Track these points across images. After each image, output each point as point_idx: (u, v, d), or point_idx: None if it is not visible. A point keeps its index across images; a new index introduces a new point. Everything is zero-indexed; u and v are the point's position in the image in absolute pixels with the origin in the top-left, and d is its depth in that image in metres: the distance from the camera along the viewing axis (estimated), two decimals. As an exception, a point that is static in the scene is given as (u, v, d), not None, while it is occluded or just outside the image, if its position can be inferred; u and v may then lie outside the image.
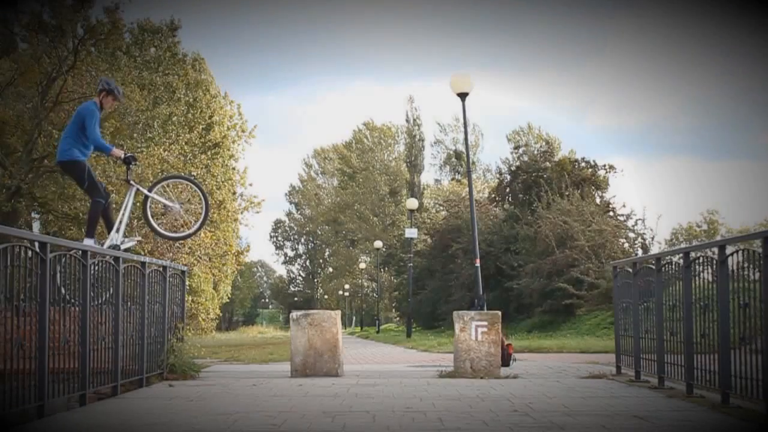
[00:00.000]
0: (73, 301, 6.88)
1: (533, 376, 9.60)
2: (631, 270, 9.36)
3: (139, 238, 9.29)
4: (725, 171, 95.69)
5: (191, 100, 33.51)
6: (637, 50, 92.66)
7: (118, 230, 8.93)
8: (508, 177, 38.22)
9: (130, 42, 30.82)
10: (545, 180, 33.93)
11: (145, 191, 9.18)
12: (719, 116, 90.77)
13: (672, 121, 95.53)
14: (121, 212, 9.11)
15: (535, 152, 38.37)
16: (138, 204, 10.21)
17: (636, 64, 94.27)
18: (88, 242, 8.69)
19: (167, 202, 9.14)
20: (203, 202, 9.25)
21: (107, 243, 8.79)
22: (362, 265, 70.88)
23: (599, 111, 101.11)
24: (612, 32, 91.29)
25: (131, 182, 9.16)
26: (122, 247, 8.88)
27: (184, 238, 9.67)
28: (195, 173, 30.49)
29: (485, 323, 9.48)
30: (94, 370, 7.21)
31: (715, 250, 6.88)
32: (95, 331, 7.29)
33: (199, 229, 9.36)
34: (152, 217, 9.29)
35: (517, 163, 38.48)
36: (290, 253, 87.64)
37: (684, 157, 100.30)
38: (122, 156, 9.05)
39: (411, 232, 35.49)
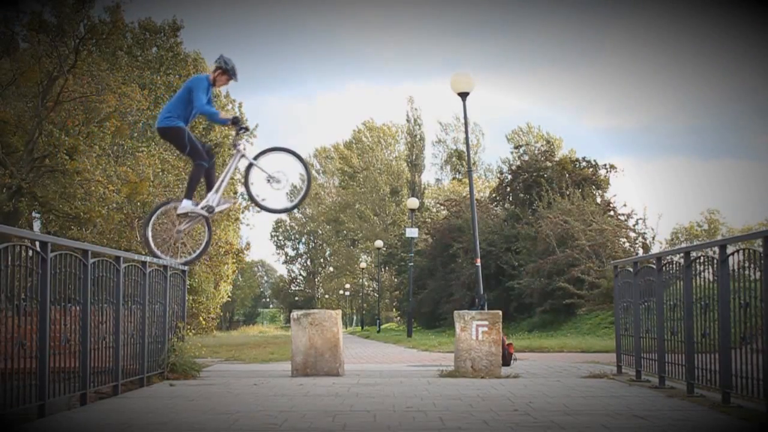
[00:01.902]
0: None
1: (534, 375, 9.60)
2: (631, 269, 9.36)
3: (234, 200, 9.23)
4: (726, 170, 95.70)
5: (192, 100, 33.50)
6: (637, 50, 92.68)
7: (216, 191, 8.97)
8: (509, 176, 38.20)
9: (131, 42, 30.84)
10: (546, 179, 33.94)
11: (250, 159, 9.12)
12: (720, 116, 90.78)
13: (672, 121, 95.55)
14: (223, 174, 9.11)
15: (536, 152, 38.37)
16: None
17: (636, 64, 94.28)
18: (186, 203, 8.79)
19: (270, 174, 9.07)
20: (306, 176, 9.16)
21: (203, 203, 8.86)
22: (363, 265, 70.87)
23: (599, 110, 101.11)
24: (611, 32, 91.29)
25: (238, 148, 9.13)
26: (217, 209, 8.93)
27: (283, 211, 9.60)
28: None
29: (486, 323, 9.48)
30: (95, 369, 7.22)
31: (716, 249, 6.88)
32: (96, 330, 7.29)
33: (299, 203, 9.32)
34: (252, 186, 9.18)
35: (518, 163, 38.48)
36: (291, 253, 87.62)
37: (684, 157, 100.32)
38: (230, 119, 8.99)
39: (412, 232, 35.47)
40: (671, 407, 6.47)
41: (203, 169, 8.82)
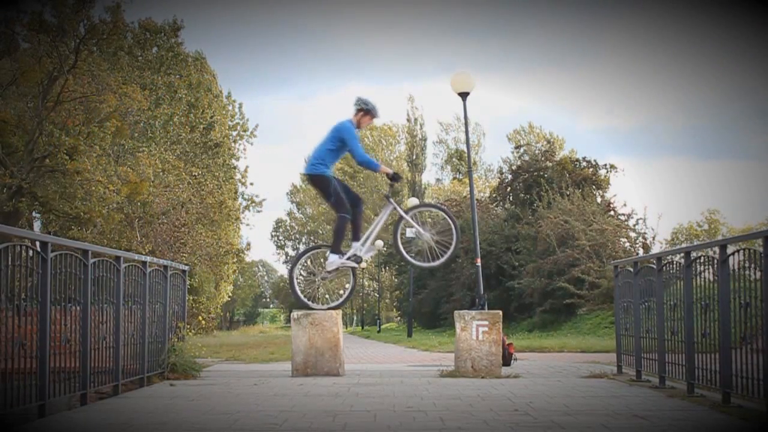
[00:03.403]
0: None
1: (534, 375, 9.59)
2: (632, 269, 9.36)
3: (381, 246, 9.31)
4: (726, 170, 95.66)
5: (193, 100, 33.54)
6: (636, 50, 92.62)
7: (364, 242, 8.98)
8: (509, 176, 38.21)
9: (132, 42, 30.84)
10: (546, 179, 33.95)
11: (402, 212, 9.12)
12: (720, 116, 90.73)
13: (672, 121, 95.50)
14: (373, 225, 9.22)
15: (536, 152, 38.39)
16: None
17: (636, 64, 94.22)
18: (334, 258, 8.83)
19: (420, 228, 9.11)
20: (454, 234, 9.17)
21: (350, 252, 8.89)
22: (363, 265, 70.83)
23: (599, 110, 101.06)
24: (611, 32, 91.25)
25: (391, 200, 9.19)
26: (365, 257, 9.03)
27: (430, 267, 9.71)
28: (196, 173, 30.57)
29: (486, 323, 9.48)
30: (95, 369, 7.22)
31: (716, 249, 6.88)
32: (96, 330, 7.29)
33: (446, 260, 9.36)
34: (401, 239, 9.21)
35: (518, 163, 38.48)
36: (291, 253, 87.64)
37: (684, 157, 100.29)
38: (390, 173, 9.06)
39: (412, 232, 35.45)
40: (671, 407, 6.47)
41: (347, 221, 8.87)
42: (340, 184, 9.01)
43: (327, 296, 9.45)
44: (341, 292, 9.50)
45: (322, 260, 9.31)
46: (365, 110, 8.91)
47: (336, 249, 8.95)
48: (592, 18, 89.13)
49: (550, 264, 28.48)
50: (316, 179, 8.89)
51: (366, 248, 9.06)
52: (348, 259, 8.96)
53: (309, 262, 9.34)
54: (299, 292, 9.29)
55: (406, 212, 9.17)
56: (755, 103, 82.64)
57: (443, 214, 9.36)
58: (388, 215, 9.33)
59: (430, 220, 9.27)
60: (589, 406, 6.52)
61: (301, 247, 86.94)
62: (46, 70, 22.77)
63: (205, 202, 29.45)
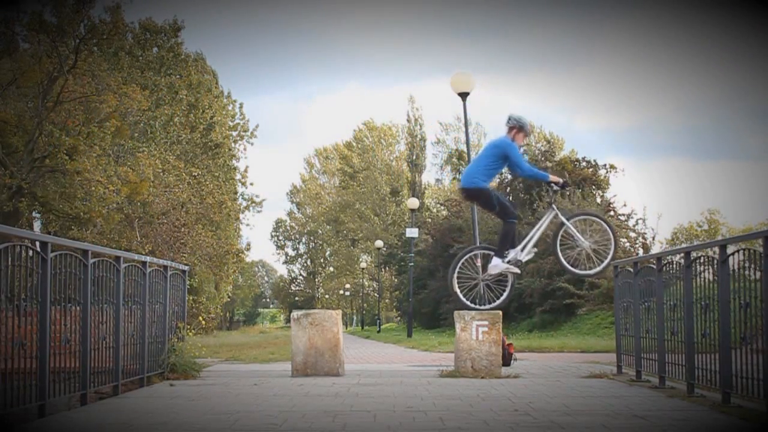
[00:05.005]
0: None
1: (534, 375, 9.59)
2: (632, 269, 9.36)
3: (536, 249, 9.34)
4: (726, 170, 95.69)
5: (193, 100, 33.54)
6: (636, 50, 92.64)
7: (524, 247, 9.08)
8: (509, 176, 38.19)
9: (132, 42, 30.86)
10: (546, 179, 33.92)
11: (563, 219, 9.20)
12: (720, 116, 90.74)
13: (672, 121, 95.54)
14: (534, 230, 9.26)
15: (536, 152, 38.38)
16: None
17: (635, 64, 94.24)
18: (497, 263, 8.93)
19: (579, 236, 9.15)
20: (612, 243, 9.21)
21: (511, 256, 9.00)
22: (363, 265, 70.85)
23: (599, 110, 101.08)
24: (611, 32, 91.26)
25: (554, 206, 9.32)
26: (523, 260, 9.11)
27: (589, 276, 9.73)
28: (196, 173, 30.56)
29: (486, 323, 9.47)
30: (95, 369, 7.22)
31: (716, 249, 6.88)
32: (96, 330, 7.29)
33: (603, 269, 9.39)
34: (560, 246, 9.22)
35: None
36: (291, 253, 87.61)
37: (684, 157, 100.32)
38: (560, 182, 9.21)
39: (412, 232, 35.48)
40: (671, 407, 6.47)
41: (515, 226, 8.93)
42: (500, 195, 9.11)
43: (486, 296, 9.42)
44: (500, 292, 9.48)
45: (476, 263, 9.38)
46: (518, 127, 8.98)
47: (501, 254, 9.02)
48: (592, 18, 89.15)
49: (550, 264, 28.45)
50: (475, 192, 9.00)
51: (525, 252, 9.12)
52: (510, 263, 9.01)
53: (467, 264, 9.35)
54: (460, 293, 9.29)
55: (569, 219, 9.24)
56: (754, 103, 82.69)
57: (603, 224, 9.38)
58: (550, 221, 9.39)
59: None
60: (588, 406, 6.52)
61: (301, 247, 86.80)
62: (46, 70, 22.76)
63: (205, 203, 29.46)
